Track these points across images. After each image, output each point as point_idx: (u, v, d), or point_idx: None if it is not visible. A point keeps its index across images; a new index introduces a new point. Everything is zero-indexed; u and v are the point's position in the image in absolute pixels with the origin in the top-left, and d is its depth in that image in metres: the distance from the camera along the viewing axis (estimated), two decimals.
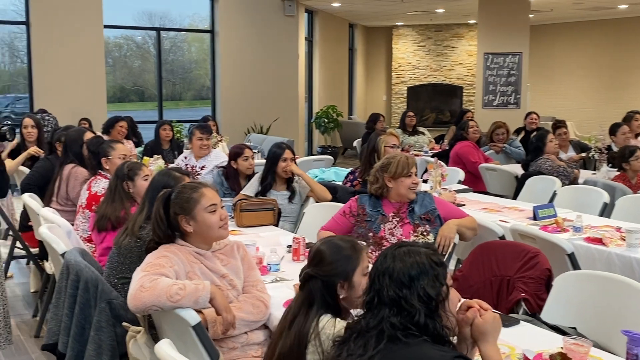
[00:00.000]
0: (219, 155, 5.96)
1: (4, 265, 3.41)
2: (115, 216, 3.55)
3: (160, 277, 2.35)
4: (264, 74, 12.00)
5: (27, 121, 5.99)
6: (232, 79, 11.74)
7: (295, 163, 4.64)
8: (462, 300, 1.93)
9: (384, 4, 12.95)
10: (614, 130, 6.85)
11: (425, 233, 2.90)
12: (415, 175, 3.44)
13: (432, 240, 3.14)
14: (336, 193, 4.74)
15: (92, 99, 10.22)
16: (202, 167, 5.71)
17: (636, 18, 14.44)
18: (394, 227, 3.01)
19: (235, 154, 4.85)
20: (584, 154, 7.11)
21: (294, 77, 12.40)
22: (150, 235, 2.64)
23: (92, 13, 10.28)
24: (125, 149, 4.48)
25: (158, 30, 11.82)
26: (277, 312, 2.55)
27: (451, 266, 3.64)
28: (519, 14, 11.29)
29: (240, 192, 4.62)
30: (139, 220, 2.99)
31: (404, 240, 2.82)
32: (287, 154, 4.53)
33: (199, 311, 2.38)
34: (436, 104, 16.83)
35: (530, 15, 12.41)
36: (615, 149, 6.54)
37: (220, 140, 7.60)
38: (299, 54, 12.46)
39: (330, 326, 2.02)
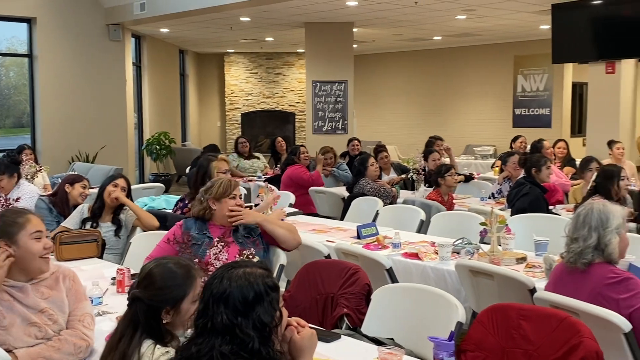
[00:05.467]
0: (30, 188, 5.64)
1: None
2: None
3: None
4: (90, 100, 11.52)
5: None
6: (54, 105, 11.14)
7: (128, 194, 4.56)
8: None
9: (213, 31, 13.01)
10: (426, 157, 7.40)
11: (250, 256, 2.95)
12: (240, 197, 3.49)
13: None
14: (166, 221, 4.66)
15: None
16: (17, 199, 5.34)
17: (449, 49, 15.75)
18: (219, 252, 3.03)
19: (74, 179, 4.86)
20: (404, 175, 7.60)
21: (122, 103, 12.03)
22: None
23: None
24: None
25: None
26: (100, 347, 2.45)
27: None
28: (344, 44, 11.86)
29: (61, 224, 4.40)
30: None
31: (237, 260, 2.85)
32: (121, 181, 4.48)
33: (9, 351, 2.23)
34: (271, 130, 17.09)
35: (355, 46, 13.09)
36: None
37: (40, 170, 7.15)
38: (127, 79, 12.13)
39: (149, 353, 1.98)
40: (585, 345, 2.32)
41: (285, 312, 1.90)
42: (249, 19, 11.42)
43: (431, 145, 8.31)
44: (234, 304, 1.75)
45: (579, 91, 14.28)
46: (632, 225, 4.47)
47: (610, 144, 7.77)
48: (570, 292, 2.82)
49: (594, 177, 5.34)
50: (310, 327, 1.99)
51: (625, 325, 2.61)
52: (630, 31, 8.17)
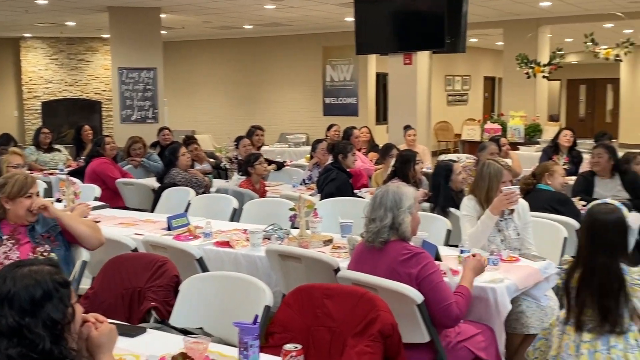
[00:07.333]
0: None
1: None
2: None
3: None
4: None
5: None
6: None
7: None
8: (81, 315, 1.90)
9: (6, 14, 11.95)
10: (237, 144, 7.45)
11: (45, 254, 2.76)
12: (37, 195, 3.25)
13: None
14: None
15: None
16: None
17: (260, 38, 15.89)
18: (9, 251, 2.81)
19: None
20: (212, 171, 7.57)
21: None
22: None
23: None
24: None
25: None
26: None
27: (85, 285, 3.53)
28: (151, 30, 11.47)
29: None
30: None
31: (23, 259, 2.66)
32: None
33: None
34: (75, 120, 16.10)
35: (164, 32, 12.73)
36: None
37: None
38: None
39: None
40: (381, 319, 2.47)
41: (80, 309, 1.84)
42: (46, 2, 10.63)
43: (252, 134, 8.36)
44: (20, 304, 1.68)
45: (382, 81, 15.15)
46: (426, 205, 4.83)
47: (405, 129, 8.38)
48: (369, 270, 2.99)
49: (393, 162, 5.71)
50: (111, 323, 1.94)
51: (418, 297, 2.83)
52: (425, 25, 8.80)
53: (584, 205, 4.79)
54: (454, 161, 5.30)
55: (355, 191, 6.03)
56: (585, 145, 8.28)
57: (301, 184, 6.78)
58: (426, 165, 7.13)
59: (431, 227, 4.10)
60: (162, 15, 11.69)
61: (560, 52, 11.57)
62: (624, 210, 2.90)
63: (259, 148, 8.28)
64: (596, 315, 2.78)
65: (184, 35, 15.98)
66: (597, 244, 2.83)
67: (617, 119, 19.44)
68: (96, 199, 5.86)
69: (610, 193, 5.23)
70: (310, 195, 5.81)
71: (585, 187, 5.43)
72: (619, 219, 2.84)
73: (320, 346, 2.60)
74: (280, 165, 7.82)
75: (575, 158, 7.42)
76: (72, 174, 6.99)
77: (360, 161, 7.24)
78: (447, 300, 2.88)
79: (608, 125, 20.07)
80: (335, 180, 5.84)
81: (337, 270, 3.31)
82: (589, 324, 2.80)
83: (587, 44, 11.02)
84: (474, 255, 3.19)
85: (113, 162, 7.10)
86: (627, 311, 2.77)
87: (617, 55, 11.03)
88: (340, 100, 15.13)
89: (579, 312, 2.83)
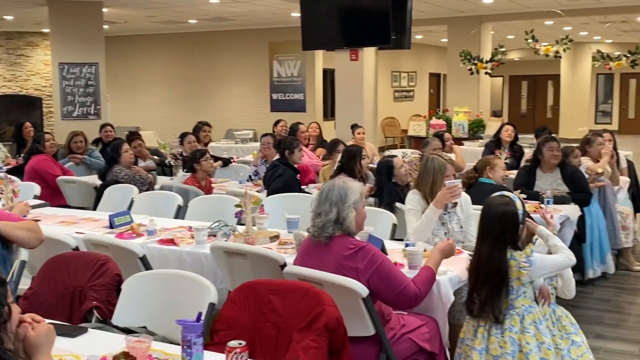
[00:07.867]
0: None
1: None
2: None
3: None
4: None
5: None
6: None
7: None
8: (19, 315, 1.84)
9: None
10: (182, 140, 7.35)
11: None
12: None
13: None
14: None
15: None
16: None
17: (206, 32, 15.72)
18: None
19: None
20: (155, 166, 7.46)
21: None
22: None
23: None
24: None
25: None
26: None
27: (24, 285, 3.42)
28: (93, 24, 11.20)
29: None
30: None
31: None
32: None
33: None
34: (15, 117, 15.60)
35: (106, 26, 12.46)
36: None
37: None
38: None
39: None
40: (326, 313, 2.48)
41: (17, 309, 1.78)
42: None
43: (199, 130, 8.28)
44: None
45: (329, 77, 15.18)
46: (372, 199, 4.87)
47: (353, 128, 8.43)
48: (315, 264, 2.99)
49: (339, 158, 5.73)
50: (50, 323, 1.90)
51: (363, 290, 2.84)
52: (371, 21, 8.84)
53: (525, 199, 4.90)
54: (394, 156, 5.35)
55: (303, 187, 6.03)
56: (527, 140, 8.49)
57: (248, 180, 6.74)
58: (375, 160, 7.18)
59: (377, 222, 4.13)
60: (104, 9, 11.44)
61: (502, 49, 11.82)
62: (518, 203, 3.01)
63: (206, 144, 8.21)
64: (479, 302, 2.92)
65: (126, 30, 15.67)
66: (484, 233, 2.96)
67: (558, 114, 20.02)
68: (36, 197, 5.70)
69: (550, 187, 5.36)
70: (257, 191, 5.78)
71: (526, 180, 5.55)
72: (508, 211, 2.95)
73: (266, 342, 2.59)
74: (226, 162, 7.76)
75: (516, 152, 7.59)
76: (11, 172, 6.78)
77: (307, 157, 7.24)
78: (403, 284, 2.91)
79: (549, 121, 20.66)
80: (282, 176, 5.83)
81: (283, 266, 3.30)
82: (476, 310, 2.95)
83: (528, 40, 11.29)
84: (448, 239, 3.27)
85: (53, 159, 6.92)
86: (508, 300, 2.90)
87: (557, 52, 11.34)
88: (288, 96, 15.11)
89: (469, 297, 2.98)
